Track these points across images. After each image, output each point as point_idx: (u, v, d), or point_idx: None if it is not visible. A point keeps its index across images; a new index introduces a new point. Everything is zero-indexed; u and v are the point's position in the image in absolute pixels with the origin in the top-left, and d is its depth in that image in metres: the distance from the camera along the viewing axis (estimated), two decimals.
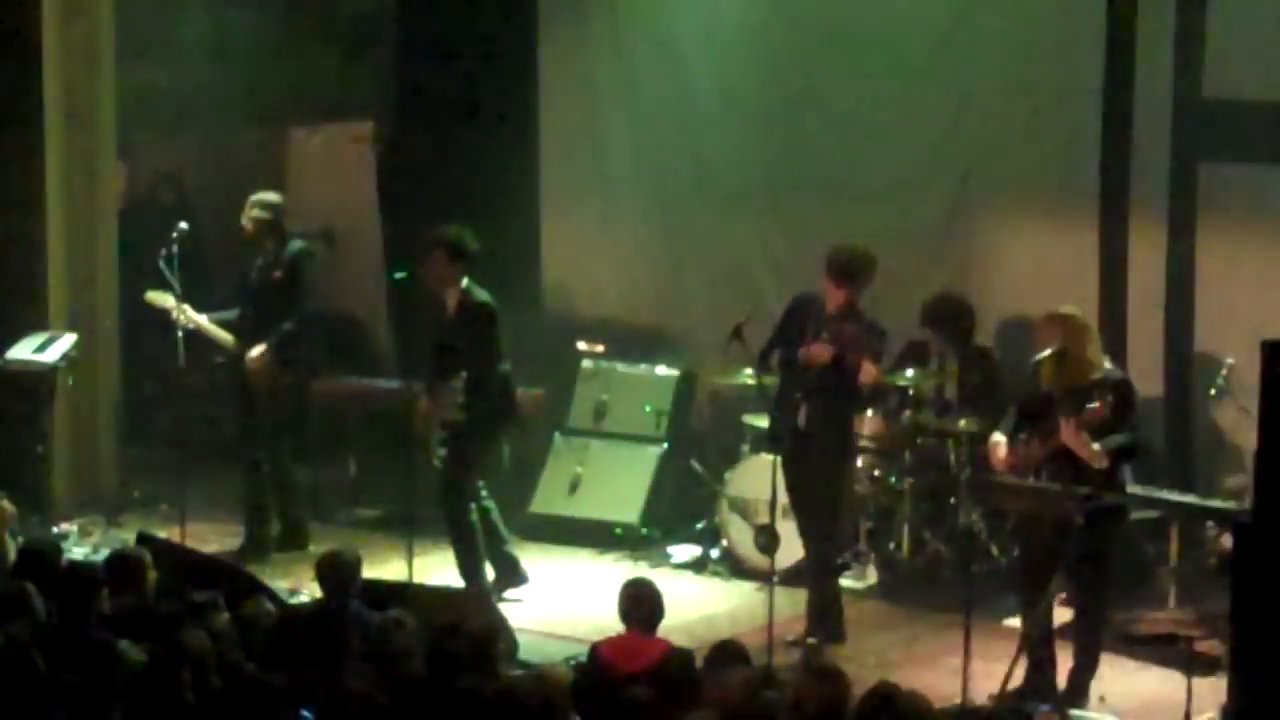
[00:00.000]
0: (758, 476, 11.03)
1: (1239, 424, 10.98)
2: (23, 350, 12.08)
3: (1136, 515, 10.34)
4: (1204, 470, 11.43)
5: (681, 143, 13.20)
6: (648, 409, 12.54)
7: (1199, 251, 11.43)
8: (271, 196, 11.72)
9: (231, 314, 11.76)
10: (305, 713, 7.36)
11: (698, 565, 11.85)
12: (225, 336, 11.67)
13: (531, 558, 11.54)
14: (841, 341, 10.09)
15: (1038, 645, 9.46)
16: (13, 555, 9.53)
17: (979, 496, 10.85)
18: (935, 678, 9.65)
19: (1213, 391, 11.09)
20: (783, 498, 10.18)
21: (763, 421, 11.18)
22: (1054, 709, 9.32)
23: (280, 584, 10.46)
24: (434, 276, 10.90)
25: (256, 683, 7.31)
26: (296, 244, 11.72)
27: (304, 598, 9.96)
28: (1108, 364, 9.48)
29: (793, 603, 10.35)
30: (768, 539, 10.56)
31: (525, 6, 13.68)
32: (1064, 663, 9.54)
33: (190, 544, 10.93)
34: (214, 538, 11.85)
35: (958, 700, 9.15)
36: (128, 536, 11.10)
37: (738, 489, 11.56)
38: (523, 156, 13.78)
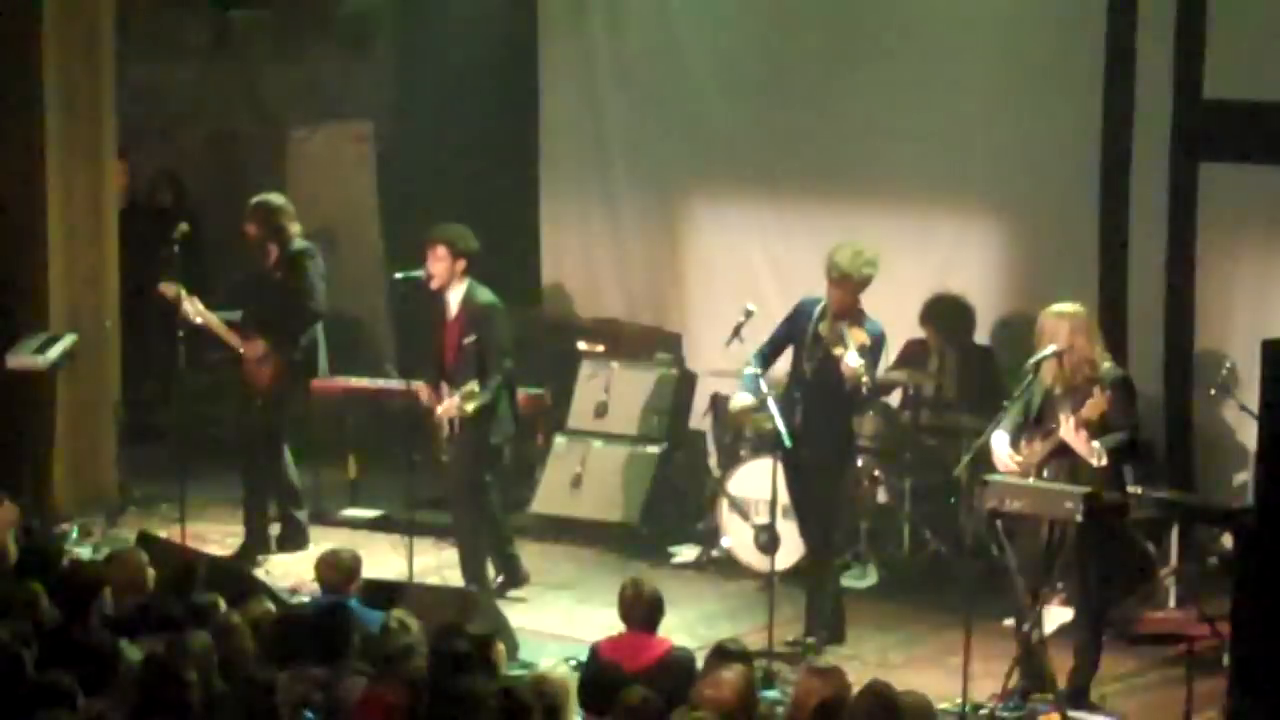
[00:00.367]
0: (758, 476, 11.04)
1: (1239, 424, 10.98)
2: (23, 350, 12.07)
3: (1136, 515, 10.34)
4: (1204, 470, 11.43)
5: (682, 142, 13.20)
6: (648, 409, 12.54)
7: (1199, 251, 11.43)
8: (274, 199, 11.71)
9: (234, 314, 11.76)
10: (308, 713, 7.37)
11: (698, 565, 11.85)
12: (231, 335, 11.67)
13: (532, 557, 11.54)
14: (832, 339, 10.08)
15: (1036, 645, 9.46)
16: (14, 556, 9.53)
17: (979, 496, 10.84)
18: (935, 678, 9.66)
19: (1213, 391, 11.09)
20: (783, 498, 10.18)
21: (763, 422, 11.19)
22: (1054, 709, 9.32)
23: (280, 584, 10.46)
24: (435, 275, 10.90)
25: (257, 683, 7.32)
26: (298, 244, 11.72)
27: (304, 598, 9.96)
28: (1108, 362, 9.47)
29: (793, 603, 10.35)
30: (768, 539, 10.56)
31: (525, 6, 13.69)
32: (1064, 663, 9.54)
33: (190, 544, 10.93)
34: (214, 538, 11.85)
35: (958, 700, 9.16)
36: (128, 536, 11.11)
37: (738, 489, 11.56)
38: (523, 156, 13.78)
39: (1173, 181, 11.44)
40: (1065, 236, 11.82)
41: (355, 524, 12.47)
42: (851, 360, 9.91)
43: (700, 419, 12.76)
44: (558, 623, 10.72)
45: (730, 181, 13.04)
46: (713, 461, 12.60)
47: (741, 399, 10.27)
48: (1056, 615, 10.23)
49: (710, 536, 11.89)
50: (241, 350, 11.63)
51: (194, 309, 11.57)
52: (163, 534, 11.01)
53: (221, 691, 7.42)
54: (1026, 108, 11.86)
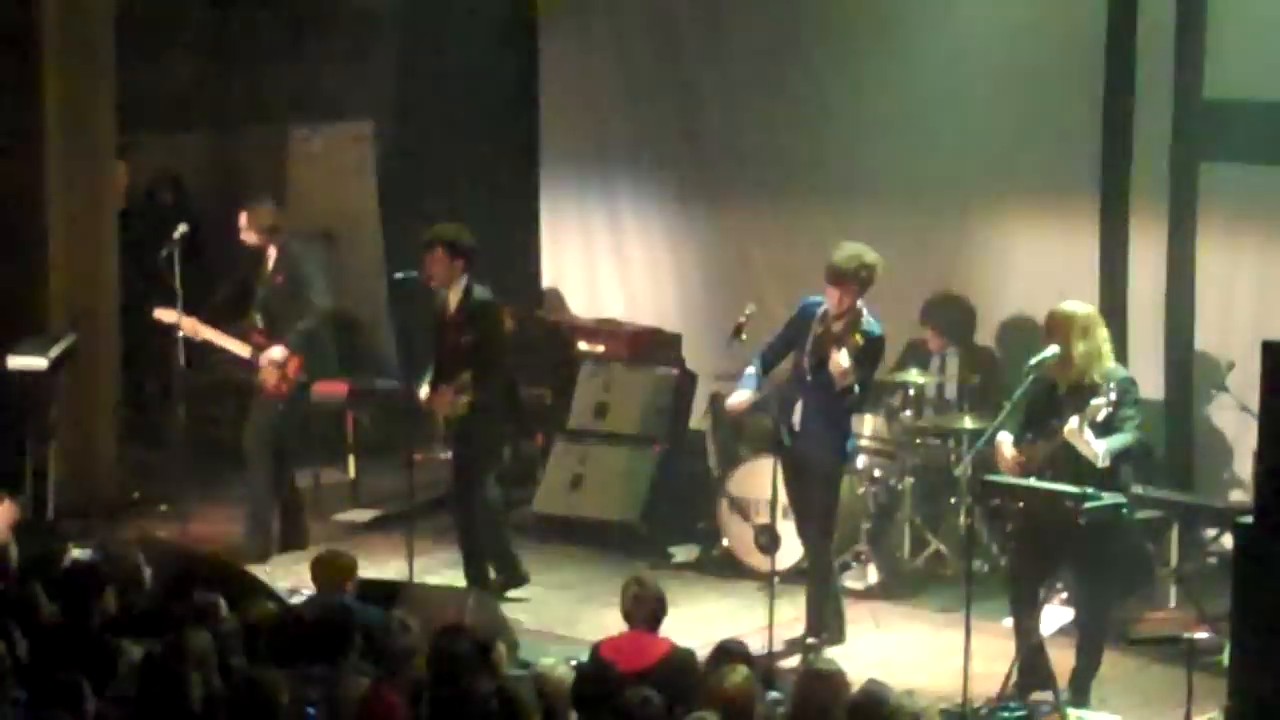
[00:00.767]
0: (758, 476, 11.04)
1: (1239, 424, 10.99)
2: (23, 350, 12.07)
3: (1137, 515, 10.34)
4: (1204, 470, 11.43)
5: (682, 142, 13.20)
6: (648, 409, 12.54)
7: (1199, 251, 11.43)
8: (267, 205, 11.73)
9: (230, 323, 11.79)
10: (310, 710, 7.37)
11: (698, 565, 11.85)
12: (239, 346, 11.67)
13: (533, 557, 11.54)
14: (829, 339, 10.08)
15: (1036, 645, 9.46)
16: (15, 555, 9.53)
17: (979, 496, 10.84)
18: (935, 678, 9.66)
19: (1213, 391, 11.09)
20: (783, 498, 10.18)
21: (763, 421, 11.19)
22: (1054, 709, 9.32)
23: (280, 584, 10.46)
24: (434, 275, 10.90)
25: (257, 683, 7.31)
26: (295, 245, 11.74)
27: (304, 597, 9.95)
28: (1112, 362, 9.46)
29: (793, 603, 10.35)
30: (768, 539, 10.56)
31: (525, 6, 13.69)
32: (1064, 663, 9.54)
33: (190, 544, 10.92)
34: (214, 538, 11.85)
35: (958, 700, 9.16)
36: (128, 536, 11.10)
37: (738, 489, 11.56)
38: (523, 156, 13.78)
39: (1173, 181, 11.44)
40: (1065, 236, 11.82)
41: (355, 524, 12.47)
42: (842, 360, 9.92)
43: (700, 419, 12.76)
44: (558, 623, 10.72)
45: (730, 181, 13.04)
46: (713, 461, 12.60)
47: (739, 395, 10.27)
48: (1056, 615, 10.23)
49: (710, 536, 11.89)
50: (255, 357, 11.60)
51: (194, 328, 11.59)
52: (163, 534, 11.01)
53: (222, 691, 7.42)
54: (1026, 108, 11.86)
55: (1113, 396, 9.15)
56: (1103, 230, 11.69)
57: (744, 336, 10.18)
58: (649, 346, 13.03)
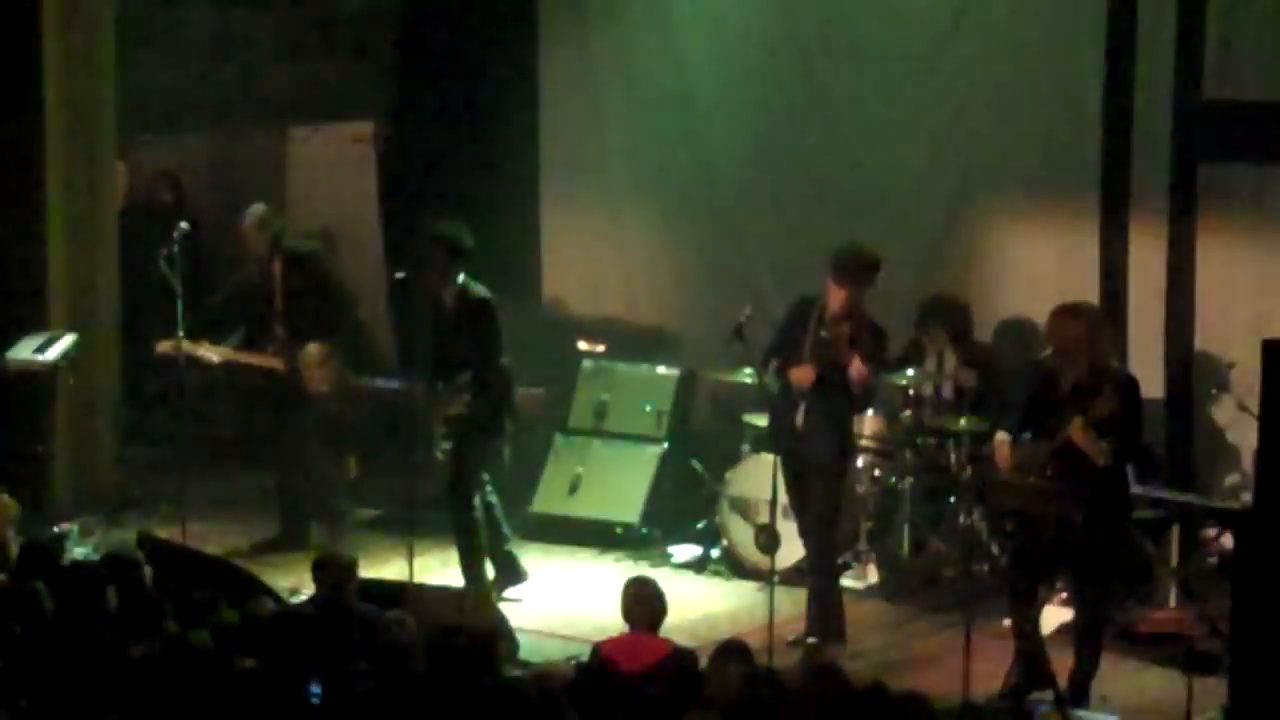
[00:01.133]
0: (758, 476, 11.04)
1: (1239, 424, 10.98)
2: (23, 350, 12.07)
3: (1136, 515, 10.34)
4: (1204, 470, 11.43)
5: (682, 142, 13.20)
6: (648, 409, 12.55)
7: (1199, 251, 11.42)
8: (268, 209, 11.76)
9: (237, 335, 11.79)
10: (314, 688, 7.38)
11: (698, 565, 11.85)
12: (260, 358, 11.68)
13: (532, 557, 11.55)
14: (837, 341, 10.08)
15: (1036, 645, 9.47)
16: (14, 552, 9.54)
17: (979, 496, 10.85)
18: (935, 678, 9.65)
19: (1213, 391, 11.09)
20: (783, 498, 10.18)
21: (763, 421, 11.19)
22: (1054, 709, 9.33)
23: (280, 584, 10.46)
24: (431, 272, 10.91)
25: (257, 683, 7.32)
26: (307, 245, 11.78)
27: (304, 597, 9.95)
28: (1115, 362, 9.46)
29: (793, 603, 10.35)
30: (768, 539, 10.56)
31: (526, 6, 13.69)
32: (1064, 663, 9.54)
33: (190, 544, 10.93)
34: (214, 538, 11.85)
35: (958, 700, 9.16)
36: (128, 536, 11.10)
37: (738, 489, 11.56)
38: (523, 156, 13.78)
39: (1173, 181, 11.44)
40: (1065, 236, 11.82)
41: (355, 524, 12.46)
42: (860, 365, 9.94)
43: (700, 419, 12.76)
44: (558, 623, 10.71)
45: (730, 181, 13.03)
46: (713, 461, 12.60)
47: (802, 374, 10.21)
48: (1056, 615, 10.23)
49: (710, 536, 11.89)
50: (286, 368, 11.61)
51: (208, 351, 11.61)
52: (163, 534, 11.01)
53: (220, 691, 7.42)
54: (1026, 107, 11.86)
55: (1117, 396, 9.14)
56: (1103, 230, 11.68)
57: (744, 336, 10.18)
58: (649, 346, 13.03)
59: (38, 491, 11.90)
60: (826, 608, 10.35)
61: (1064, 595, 10.36)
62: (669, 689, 7.51)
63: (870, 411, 11.55)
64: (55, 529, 11.82)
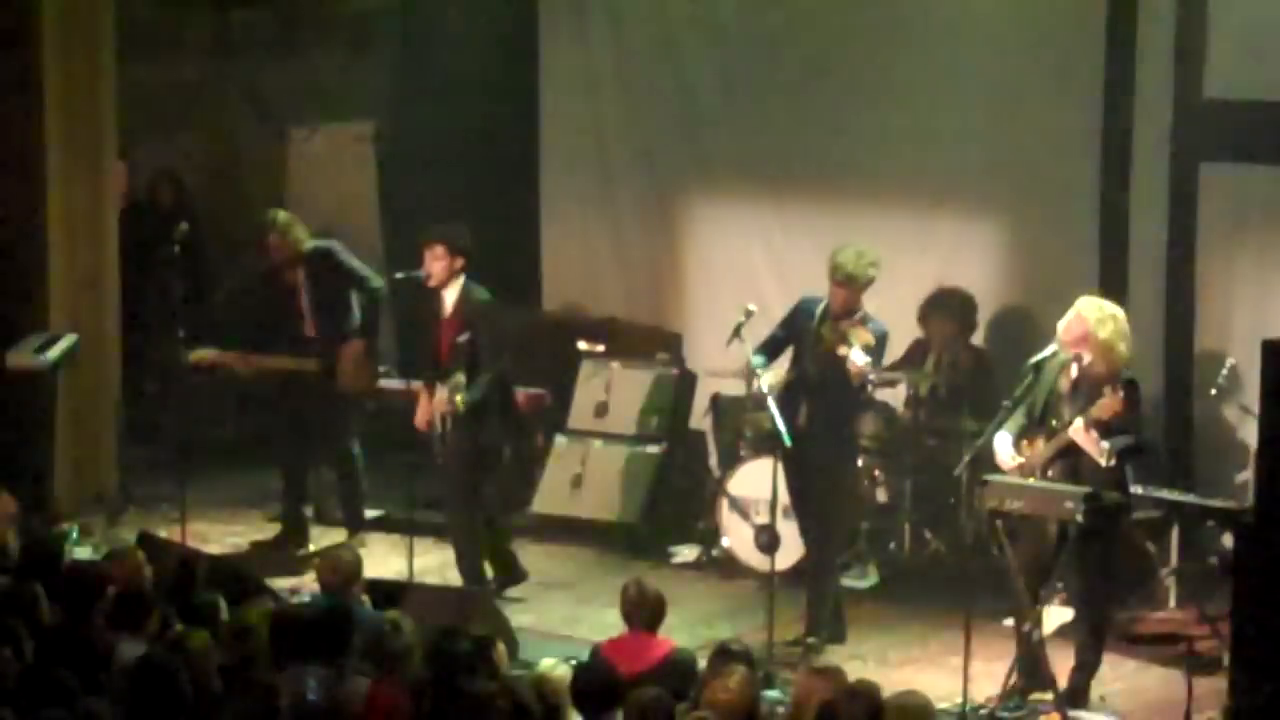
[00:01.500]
0: (758, 476, 11.04)
1: (1239, 424, 10.99)
2: (23, 350, 12.07)
3: (1137, 515, 10.35)
4: (1204, 470, 11.43)
5: (682, 142, 13.20)
6: (648, 409, 12.54)
7: (1199, 251, 11.43)
8: (289, 214, 11.82)
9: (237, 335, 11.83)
10: (311, 681, 7.38)
11: (698, 565, 11.85)
12: (289, 362, 11.69)
13: (532, 557, 11.54)
14: (836, 340, 10.08)
15: (1036, 645, 9.46)
16: (14, 550, 9.55)
17: (979, 496, 10.85)
18: (935, 678, 9.66)
19: (1213, 391, 11.09)
20: (783, 498, 10.18)
21: (763, 421, 11.20)
22: (1054, 709, 9.32)
23: (280, 584, 10.46)
24: (433, 274, 10.91)
25: (256, 683, 7.32)
26: (327, 243, 11.81)
27: (304, 597, 9.96)
28: (1119, 361, 9.44)
29: (793, 603, 10.35)
30: (768, 539, 10.56)
31: (526, 6, 13.69)
32: (1064, 663, 9.54)
33: (190, 544, 10.93)
34: (214, 538, 11.86)
35: (958, 700, 9.16)
36: (128, 536, 11.10)
37: (738, 489, 11.56)
38: (523, 156, 13.78)
39: (1173, 181, 11.44)
40: (1065, 236, 11.82)
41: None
42: (858, 359, 9.92)
43: (700, 419, 12.76)
44: (558, 623, 10.72)
45: (730, 181, 13.04)
46: (713, 461, 12.61)
47: (772, 374, 10.19)
48: (1056, 615, 10.23)
49: (710, 536, 11.89)
50: (318, 369, 11.64)
51: (241, 361, 11.62)
52: (163, 534, 11.01)
53: (220, 692, 7.42)
54: (1026, 108, 11.86)
55: (1120, 396, 9.14)
56: (1103, 230, 11.68)
57: (744, 337, 10.18)
58: (649, 346, 13.03)
59: (38, 491, 11.90)
60: (826, 608, 10.35)
61: (1064, 595, 10.36)
62: (669, 689, 7.50)
63: (870, 411, 11.55)
64: (55, 529, 11.82)
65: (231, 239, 13.48)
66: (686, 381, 12.73)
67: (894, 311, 11.09)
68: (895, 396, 11.91)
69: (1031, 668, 9.44)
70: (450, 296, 10.94)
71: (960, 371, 11.73)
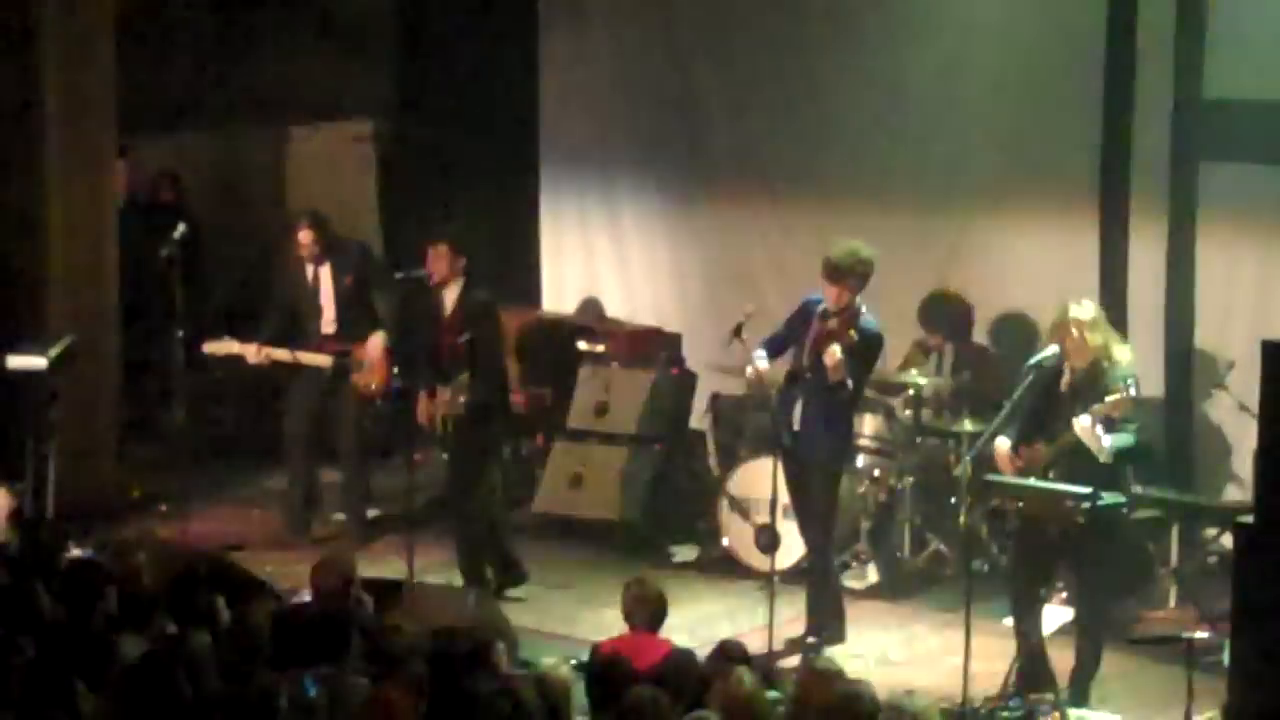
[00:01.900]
0: (758, 476, 11.04)
1: (1239, 424, 10.99)
2: (23, 350, 12.06)
3: (1136, 515, 10.35)
4: (1204, 470, 11.43)
5: (682, 142, 13.21)
6: (648, 409, 12.54)
7: (1199, 251, 11.44)
8: (316, 212, 11.86)
9: (270, 327, 11.84)
10: (311, 682, 7.38)
11: (698, 565, 11.86)
12: (306, 356, 11.72)
13: (532, 557, 11.54)
14: (825, 337, 10.08)
15: (1036, 645, 9.47)
16: (13, 544, 9.55)
17: (979, 496, 10.85)
18: (935, 678, 9.66)
19: (1213, 391, 11.09)
20: (783, 498, 10.18)
21: (763, 421, 11.19)
22: (1054, 709, 9.32)
23: (281, 584, 10.46)
24: (435, 274, 10.92)
25: (256, 683, 7.32)
26: (354, 244, 11.86)
27: (304, 597, 9.95)
28: (1120, 361, 9.45)
29: (793, 603, 10.35)
30: (768, 539, 10.56)
31: (525, 6, 13.69)
32: (1064, 663, 9.54)
33: (190, 544, 10.93)
34: (214, 537, 11.85)
35: (958, 700, 9.16)
36: (128, 536, 11.10)
37: (738, 489, 11.56)
38: (523, 156, 13.79)
39: (1173, 181, 11.44)
40: (1065, 236, 11.83)
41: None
42: (835, 352, 9.93)
43: (700, 419, 12.76)
44: (558, 623, 10.72)
45: (730, 181, 13.05)
46: (713, 461, 12.61)
47: (760, 362, 10.18)
48: (1056, 615, 10.23)
49: (710, 536, 11.89)
50: (333, 366, 11.66)
51: (257, 355, 11.65)
52: (163, 534, 11.01)
53: (219, 691, 7.42)
54: (1026, 107, 11.87)
55: (1131, 393, 9.14)
56: (1103, 230, 11.69)
57: (744, 336, 10.18)
58: (649, 346, 13.03)
59: (38, 491, 11.89)
60: (826, 608, 10.35)
61: (1064, 595, 10.36)
62: (669, 689, 7.49)
63: (870, 412, 11.56)
64: (55, 529, 11.82)
65: (231, 238, 13.49)
66: (686, 381, 12.73)
67: (894, 312, 11.09)
68: (896, 396, 11.91)
69: (1031, 668, 9.44)
70: (451, 296, 10.95)
71: (964, 371, 11.72)
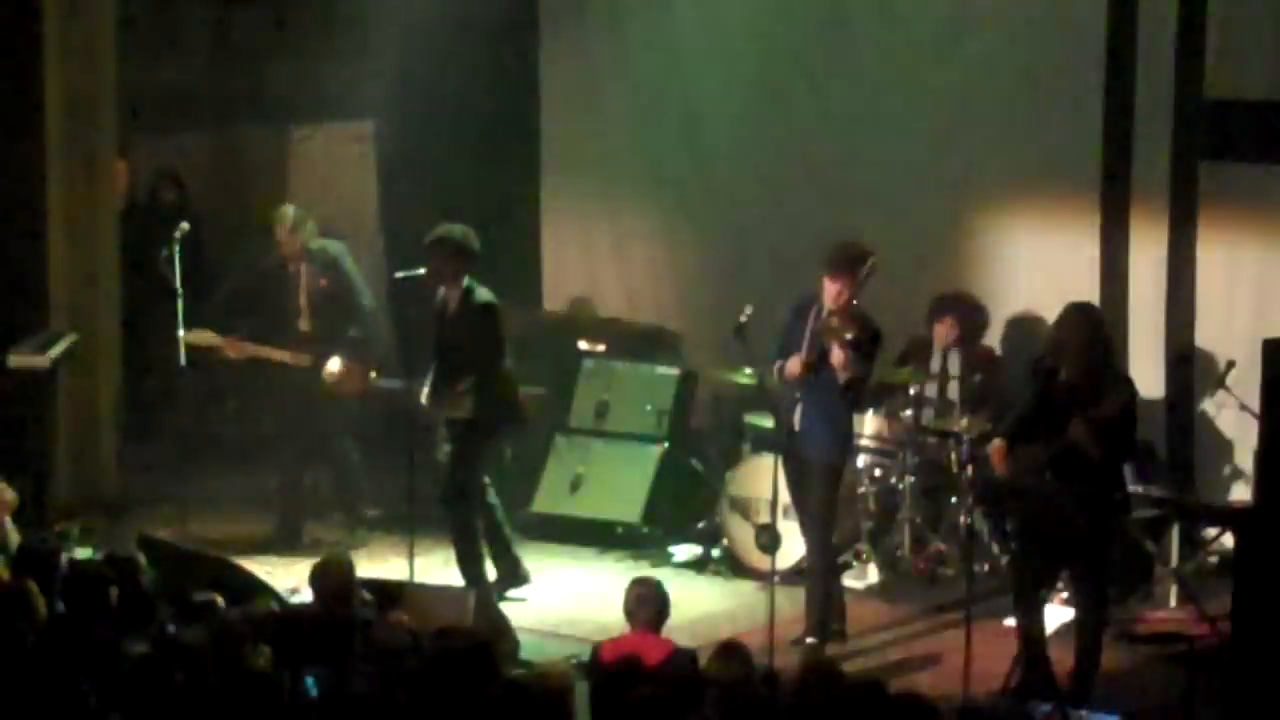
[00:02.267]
0: (758, 476, 11.04)
1: (1239, 424, 10.99)
2: (23, 350, 12.07)
3: (1136, 515, 10.35)
4: (1204, 470, 11.44)
5: (682, 142, 13.21)
6: (648, 409, 12.55)
7: (1199, 251, 11.44)
8: (299, 210, 11.85)
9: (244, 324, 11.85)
10: (311, 681, 7.38)
11: (698, 565, 11.86)
12: (288, 355, 11.73)
13: (533, 557, 11.55)
14: (826, 333, 10.07)
15: (1036, 645, 9.47)
16: (15, 542, 9.55)
17: (979, 497, 10.86)
18: (935, 678, 9.67)
19: (1213, 391, 11.10)
20: (784, 498, 10.19)
21: (763, 421, 11.19)
22: (1054, 708, 9.33)
23: (280, 584, 10.46)
24: (437, 274, 10.91)
25: (254, 683, 7.32)
26: (333, 245, 11.84)
27: (304, 597, 9.95)
28: (1114, 362, 9.48)
29: (793, 603, 10.35)
30: (768, 539, 10.57)
31: (525, 6, 13.69)
32: (1064, 663, 9.55)
33: (190, 544, 10.93)
34: (214, 538, 11.85)
35: (958, 700, 9.16)
36: (128, 536, 11.10)
37: (738, 489, 11.56)
38: (523, 156, 13.79)
39: (1173, 181, 11.45)
40: (1065, 236, 11.83)
41: (356, 523, 12.46)
42: (839, 354, 9.94)
43: (700, 419, 12.76)
44: (558, 623, 10.72)
45: (730, 181, 13.04)
46: (713, 461, 12.60)
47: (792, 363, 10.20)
48: (1056, 615, 10.24)
49: (710, 536, 11.89)
50: (310, 365, 11.67)
51: (235, 348, 11.64)
52: (163, 534, 11.01)
53: (218, 691, 7.42)
54: (1027, 107, 11.87)
55: (1118, 397, 9.15)
56: (1103, 230, 11.69)
57: (744, 336, 10.18)
58: (649, 346, 13.03)
59: (38, 491, 11.90)
60: (826, 608, 10.35)
61: (1064, 595, 10.37)
62: (669, 689, 7.50)
63: (870, 411, 11.56)
64: (55, 529, 11.83)
65: (232, 239, 13.48)
66: (686, 381, 12.73)
67: (894, 312, 11.09)
68: (896, 397, 11.91)
69: (1032, 668, 9.44)
70: (454, 298, 10.94)
71: (969, 373, 11.70)
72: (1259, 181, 11.27)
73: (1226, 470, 11.39)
